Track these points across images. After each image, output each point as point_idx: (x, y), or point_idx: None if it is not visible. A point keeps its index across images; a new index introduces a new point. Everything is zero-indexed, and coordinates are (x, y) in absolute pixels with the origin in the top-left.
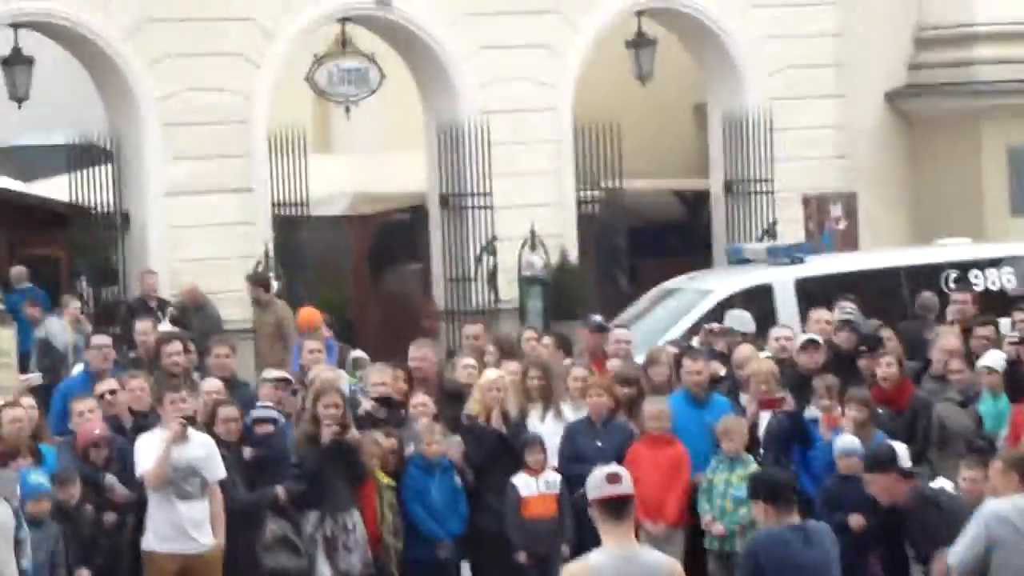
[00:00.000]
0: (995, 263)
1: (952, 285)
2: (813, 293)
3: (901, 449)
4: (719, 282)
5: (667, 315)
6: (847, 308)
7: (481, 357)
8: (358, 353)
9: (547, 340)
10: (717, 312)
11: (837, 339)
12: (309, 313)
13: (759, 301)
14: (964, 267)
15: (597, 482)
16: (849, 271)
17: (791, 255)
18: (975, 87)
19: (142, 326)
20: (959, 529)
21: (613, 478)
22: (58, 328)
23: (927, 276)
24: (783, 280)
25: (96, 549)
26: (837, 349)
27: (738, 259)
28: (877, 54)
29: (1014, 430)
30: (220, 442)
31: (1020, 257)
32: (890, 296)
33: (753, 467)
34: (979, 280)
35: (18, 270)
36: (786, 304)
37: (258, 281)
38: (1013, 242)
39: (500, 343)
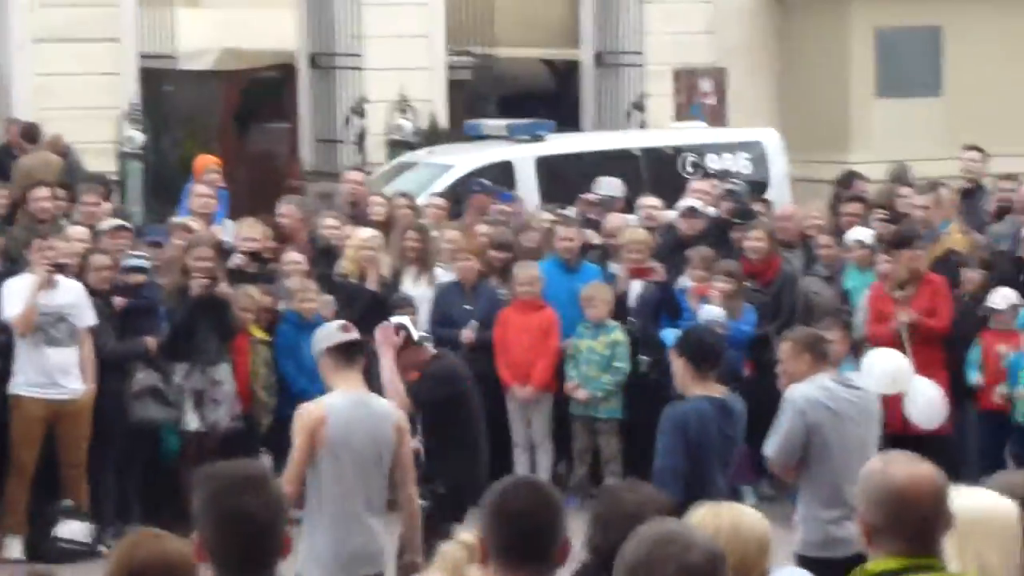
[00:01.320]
0: (731, 148)
1: (690, 169)
2: (553, 171)
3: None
4: (459, 156)
5: (407, 188)
6: (735, 181)
7: (349, 216)
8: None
9: (438, 201)
10: (457, 187)
11: (718, 208)
12: (205, 159)
13: (500, 178)
14: (701, 151)
15: (329, 332)
16: (589, 150)
17: (531, 132)
18: None
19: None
20: None
21: (344, 328)
22: None
23: (664, 158)
24: (523, 157)
25: None
26: (715, 220)
27: (477, 135)
28: None
29: (873, 305)
30: (91, 291)
31: (754, 143)
32: (630, 176)
33: (617, 334)
34: (715, 164)
35: None
36: (527, 182)
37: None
38: (870, 123)
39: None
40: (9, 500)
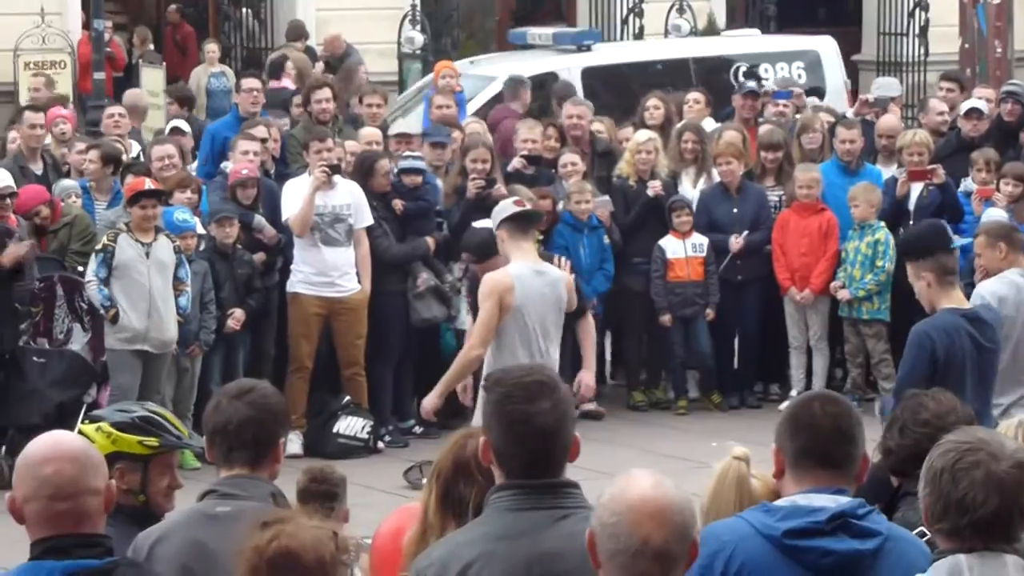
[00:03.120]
0: (786, 57)
1: (742, 79)
2: (600, 82)
3: None
4: (502, 67)
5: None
6: (1016, 83)
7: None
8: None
9: (696, 96)
10: (493, 102)
11: (1001, 111)
12: (440, 65)
13: (545, 89)
14: (754, 60)
15: (505, 205)
16: (637, 61)
17: (578, 42)
18: None
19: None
20: None
21: (518, 202)
22: None
23: (716, 68)
24: (569, 68)
25: (251, 290)
26: (999, 122)
27: (523, 44)
28: None
29: None
30: (372, 193)
31: (810, 51)
32: (679, 88)
33: (880, 234)
34: (769, 74)
35: (141, 29)
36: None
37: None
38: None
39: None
40: (289, 396)
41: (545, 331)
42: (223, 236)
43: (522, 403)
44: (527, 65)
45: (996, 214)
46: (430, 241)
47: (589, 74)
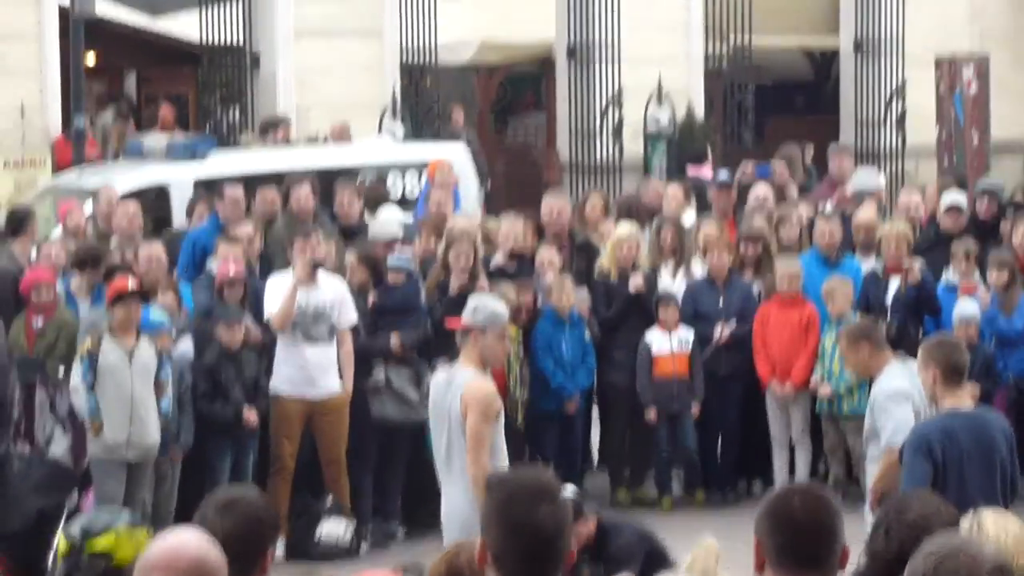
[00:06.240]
0: (416, 166)
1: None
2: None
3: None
4: (111, 179)
5: (49, 214)
6: (989, 179)
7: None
8: None
9: (675, 191)
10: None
11: (977, 208)
12: (436, 164)
13: (157, 202)
14: (383, 169)
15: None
16: (255, 172)
17: (189, 151)
18: None
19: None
20: None
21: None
22: None
23: (344, 178)
24: (181, 179)
25: (256, 389)
26: (975, 218)
27: (139, 154)
28: None
29: None
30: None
31: (445, 162)
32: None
33: None
34: (397, 184)
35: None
36: (184, 205)
37: None
38: None
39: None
40: (272, 498)
41: (448, 441)
42: (230, 339)
43: (525, 507)
44: (137, 176)
45: (968, 306)
46: (394, 337)
47: (202, 187)
